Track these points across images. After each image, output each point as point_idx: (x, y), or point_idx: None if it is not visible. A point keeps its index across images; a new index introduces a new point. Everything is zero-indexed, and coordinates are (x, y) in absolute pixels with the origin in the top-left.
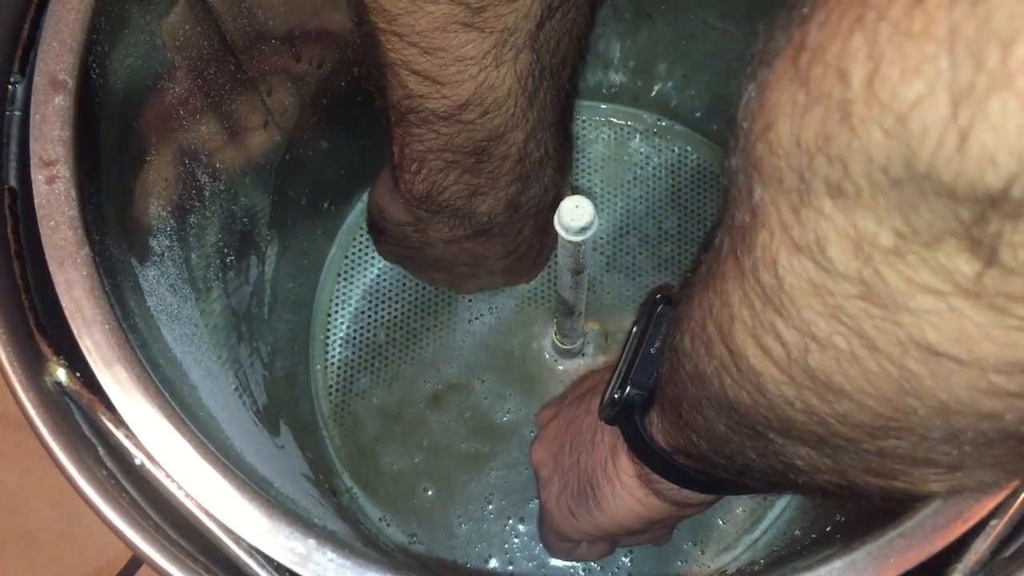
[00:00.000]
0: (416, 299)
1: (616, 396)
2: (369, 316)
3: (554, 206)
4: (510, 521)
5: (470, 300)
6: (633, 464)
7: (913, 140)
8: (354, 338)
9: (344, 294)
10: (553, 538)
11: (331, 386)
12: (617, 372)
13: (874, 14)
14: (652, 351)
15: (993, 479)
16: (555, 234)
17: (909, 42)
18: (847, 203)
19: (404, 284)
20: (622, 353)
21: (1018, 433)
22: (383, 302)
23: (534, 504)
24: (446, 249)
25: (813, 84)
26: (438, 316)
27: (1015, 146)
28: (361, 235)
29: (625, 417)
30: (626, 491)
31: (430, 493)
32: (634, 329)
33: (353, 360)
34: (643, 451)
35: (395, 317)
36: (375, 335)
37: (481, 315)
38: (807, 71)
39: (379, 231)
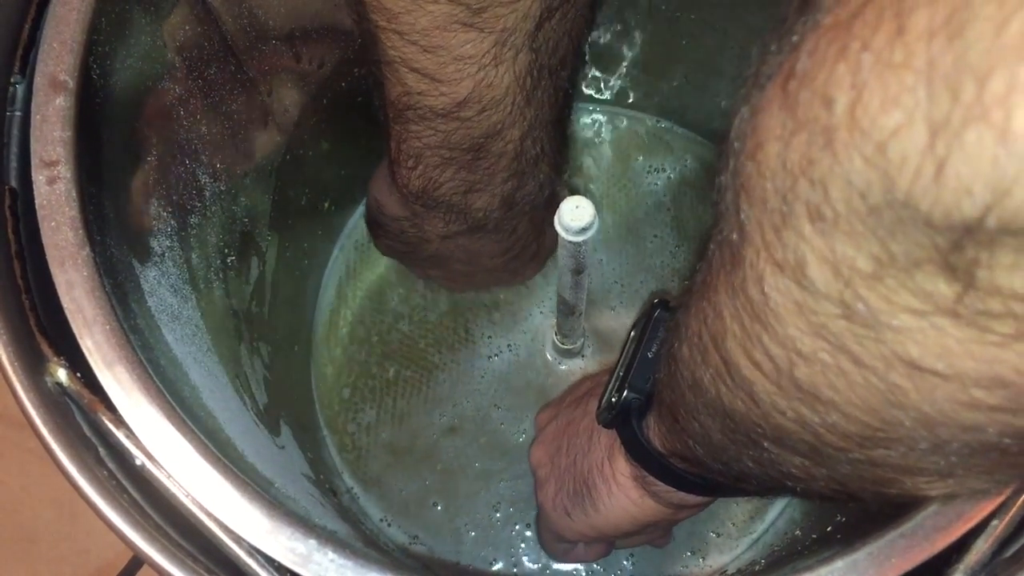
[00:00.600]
0: (431, 336)
1: (613, 400)
2: (375, 338)
3: (549, 204)
4: (517, 527)
5: (490, 336)
6: (629, 466)
7: (891, 168)
8: (362, 365)
9: (347, 296)
10: (550, 538)
11: (337, 413)
12: (615, 376)
13: (858, 44)
14: (649, 356)
15: (984, 486)
16: (552, 235)
17: (889, 73)
18: (826, 227)
19: (412, 309)
20: (620, 357)
21: (1000, 445)
22: (390, 330)
23: None
24: (442, 245)
25: (800, 110)
26: (455, 352)
27: (990, 177)
28: (364, 237)
29: (622, 421)
30: (622, 492)
31: (439, 508)
32: (632, 333)
33: (360, 390)
34: (640, 454)
35: (405, 352)
36: (383, 370)
37: (500, 352)
38: (795, 97)
39: (376, 225)
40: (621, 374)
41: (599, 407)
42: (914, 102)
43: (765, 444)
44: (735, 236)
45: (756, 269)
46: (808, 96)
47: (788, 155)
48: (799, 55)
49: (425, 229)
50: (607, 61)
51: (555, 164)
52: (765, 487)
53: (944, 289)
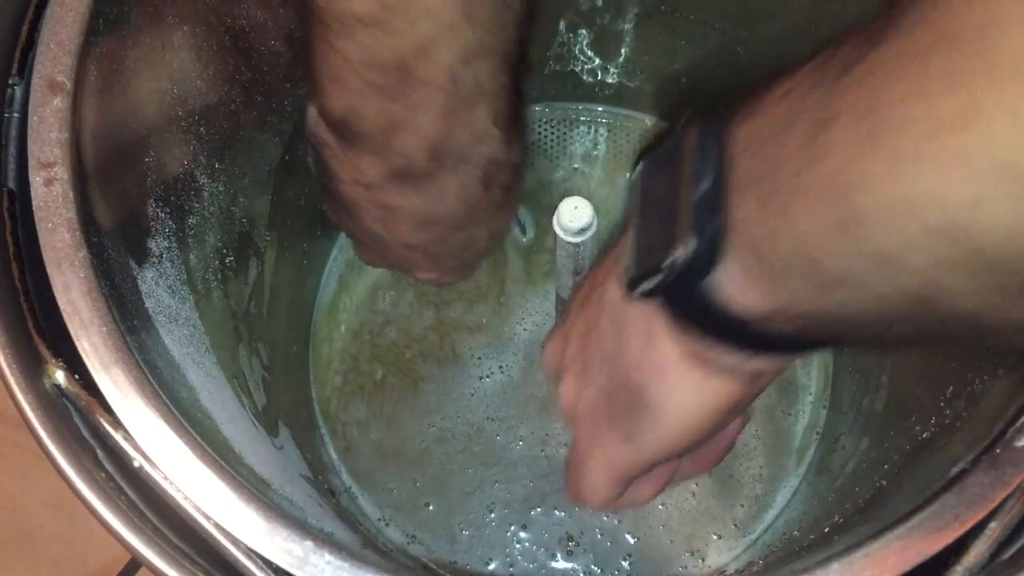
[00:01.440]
0: (416, 347)
1: (667, 263)
2: (367, 336)
3: (489, 177)
4: (512, 528)
5: (479, 358)
6: (675, 345)
7: None
8: (353, 359)
9: (346, 296)
10: (603, 485)
11: (330, 398)
12: (639, 231)
13: None
14: (706, 188)
15: None
16: (496, 233)
17: None
18: None
19: (399, 316)
20: (640, 206)
21: None
22: (380, 332)
23: (536, 512)
24: (355, 192)
25: None
26: (442, 368)
27: None
28: None
29: (682, 284)
30: (682, 381)
31: (431, 508)
32: (640, 167)
33: (350, 384)
34: (707, 321)
35: (392, 359)
36: (372, 370)
37: (491, 373)
38: None
39: (309, 144)
40: (666, 223)
41: (628, 280)
42: None
43: None
44: None
45: None
46: None
47: None
48: None
49: (343, 163)
50: (604, 60)
51: (498, 117)
52: (919, 341)
53: None
